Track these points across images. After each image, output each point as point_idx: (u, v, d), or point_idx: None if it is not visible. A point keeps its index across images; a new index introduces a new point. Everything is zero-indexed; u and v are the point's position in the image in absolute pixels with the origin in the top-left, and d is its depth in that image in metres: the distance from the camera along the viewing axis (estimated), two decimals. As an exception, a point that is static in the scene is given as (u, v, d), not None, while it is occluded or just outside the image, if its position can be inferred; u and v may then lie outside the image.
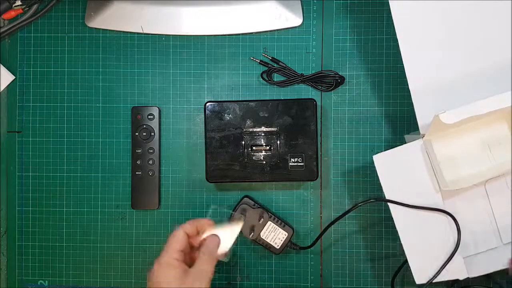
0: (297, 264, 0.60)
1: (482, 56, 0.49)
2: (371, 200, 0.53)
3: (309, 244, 0.58)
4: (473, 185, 0.51)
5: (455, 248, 0.49)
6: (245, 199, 0.58)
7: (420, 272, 0.50)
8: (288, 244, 0.57)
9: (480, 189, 0.52)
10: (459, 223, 0.49)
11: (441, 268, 0.49)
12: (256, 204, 0.58)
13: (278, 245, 0.57)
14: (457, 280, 0.51)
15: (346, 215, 0.57)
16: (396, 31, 0.49)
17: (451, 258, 0.49)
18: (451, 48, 0.49)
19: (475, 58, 0.49)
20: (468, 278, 0.51)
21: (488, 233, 0.52)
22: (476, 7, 0.48)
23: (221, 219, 0.54)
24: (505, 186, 0.51)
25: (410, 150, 0.50)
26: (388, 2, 0.49)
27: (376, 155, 0.50)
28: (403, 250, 0.51)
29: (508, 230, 0.51)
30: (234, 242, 0.49)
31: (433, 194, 0.50)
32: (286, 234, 0.57)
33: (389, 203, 0.50)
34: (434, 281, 0.50)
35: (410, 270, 0.51)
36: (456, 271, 0.50)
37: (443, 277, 0.50)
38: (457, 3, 0.48)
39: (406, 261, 0.52)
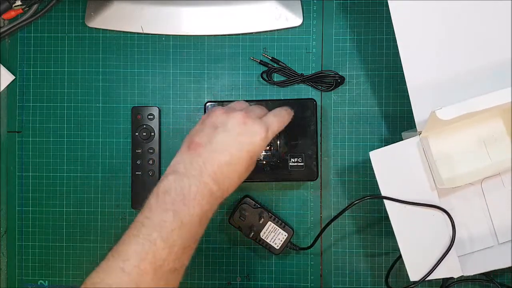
0: (297, 264, 0.62)
1: (479, 54, 0.51)
2: (367, 197, 0.55)
3: (309, 245, 0.60)
4: (469, 184, 0.54)
5: (450, 244, 0.51)
6: (246, 199, 0.60)
7: (415, 269, 0.52)
8: (288, 245, 0.60)
9: (476, 187, 0.54)
10: (454, 221, 0.51)
11: (435, 265, 0.51)
12: (257, 204, 0.60)
13: (278, 246, 0.59)
14: (451, 278, 0.53)
15: (345, 215, 0.60)
16: (395, 29, 0.51)
17: (446, 255, 0.51)
18: (449, 46, 0.52)
19: (473, 57, 0.51)
20: (462, 276, 0.53)
21: (484, 232, 0.54)
22: (473, 7, 0.51)
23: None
24: (501, 185, 0.54)
25: (406, 147, 0.52)
26: (388, 2, 0.51)
27: (373, 151, 0.53)
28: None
29: (504, 229, 0.53)
30: None
31: (429, 192, 0.52)
32: (286, 234, 0.60)
33: (384, 200, 0.52)
34: (428, 278, 0.52)
35: (404, 267, 0.53)
36: (451, 269, 0.52)
37: (438, 274, 0.52)
38: (455, 2, 0.51)
39: (399, 258, 0.54)
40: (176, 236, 0.40)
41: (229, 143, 0.44)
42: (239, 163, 0.44)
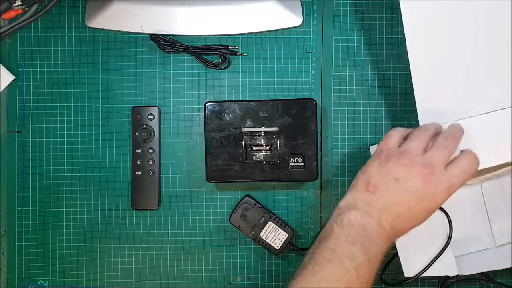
0: (297, 265, 0.63)
1: (488, 58, 0.51)
2: None
3: (309, 245, 0.61)
4: (469, 184, 0.54)
5: (446, 243, 0.52)
6: (246, 198, 0.61)
7: (410, 265, 0.53)
8: (288, 245, 0.60)
9: (476, 188, 0.55)
10: (453, 221, 0.52)
11: (430, 262, 0.52)
12: (257, 204, 0.61)
13: (277, 246, 0.60)
14: (448, 277, 0.53)
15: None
16: (405, 31, 0.51)
17: (442, 253, 0.52)
18: (458, 49, 0.51)
19: (482, 60, 0.51)
20: (462, 276, 0.54)
21: (482, 234, 0.55)
22: (484, 8, 0.50)
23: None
24: (501, 187, 0.54)
25: None
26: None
27: (373, 146, 0.53)
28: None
29: (502, 232, 0.54)
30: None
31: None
32: (286, 235, 0.60)
33: None
34: (424, 275, 0.53)
35: (400, 265, 0.54)
36: (447, 267, 0.53)
37: (433, 272, 0.53)
38: (468, 3, 0.50)
39: (395, 256, 0.55)
40: (365, 270, 0.43)
41: (408, 198, 0.45)
42: (416, 216, 0.46)
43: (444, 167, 0.45)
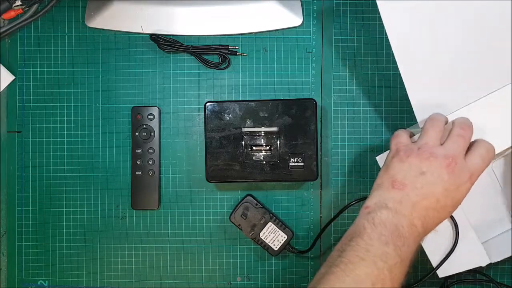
0: (297, 265, 0.63)
1: (476, 50, 0.51)
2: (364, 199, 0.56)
3: (308, 246, 0.61)
4: None
5: (453, 245, 0.52)
6: (248, 197, 0.61)
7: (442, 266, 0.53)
8: (287, 247, 0.61)
9: (487, 170, 0.53)
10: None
11: (443, 260, 0.52)
12: (259, 204, 0.61)
13: (276, 247, 0.60)
14: (449, 277, 0.53)
15: (346, 215, 0.60)
16: (387, 31, 0.51)
17: (450, 255, 0.52)
18: (445, 43, 0.51)
19: (469, 52, 0.51)
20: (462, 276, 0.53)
21: (503, 213, 0.54)
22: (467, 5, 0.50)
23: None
24: (510, 164, 0.54)
25: None
26: (377, 3, 0.51)
27: (379, 156, 0.54)
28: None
29: None
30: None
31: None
32: (286, 237, 0.60)
33: None
34: (456, 272, 0.53)
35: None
36: (477, 258, 0.52)
37: (465, 266, 0.52)
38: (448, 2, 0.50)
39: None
40: (397, 271, 0.43)
41: (436, 190, 0.45)
42: (444, 209, 0.46)
43: (463, 156, 0.46)
